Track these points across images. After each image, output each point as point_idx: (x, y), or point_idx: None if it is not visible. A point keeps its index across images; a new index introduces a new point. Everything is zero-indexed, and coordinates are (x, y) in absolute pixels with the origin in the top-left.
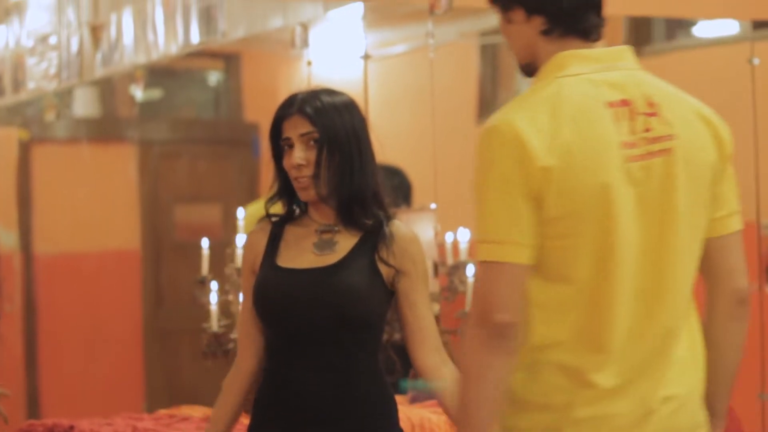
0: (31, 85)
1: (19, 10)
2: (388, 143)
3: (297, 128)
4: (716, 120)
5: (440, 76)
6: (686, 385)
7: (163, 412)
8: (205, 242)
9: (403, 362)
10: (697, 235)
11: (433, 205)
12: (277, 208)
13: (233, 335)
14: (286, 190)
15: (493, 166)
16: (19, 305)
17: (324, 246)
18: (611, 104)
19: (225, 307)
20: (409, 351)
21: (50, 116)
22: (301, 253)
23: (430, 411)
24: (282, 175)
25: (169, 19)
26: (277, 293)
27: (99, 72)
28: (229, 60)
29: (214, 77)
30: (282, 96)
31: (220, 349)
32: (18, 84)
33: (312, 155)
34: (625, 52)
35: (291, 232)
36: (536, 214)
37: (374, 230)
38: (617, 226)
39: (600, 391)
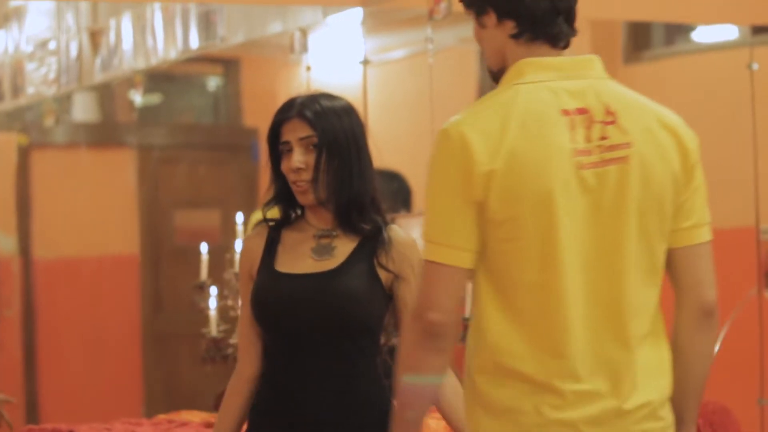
0: (30, 90)
1: (18, 15)
2: (388, 148)
3: (296, 132)
4: (681, 129)
5: (439, 81)
6: (656, 392)
7: (162, 417)
8: (204, 247)
9: None
10: (654, 244)
11: None
12: (274, 213)
13: (232, 340)
14: (283, 194)
15: (438, 169)
16: (18, 310)
17: (322, 251)
18: (567, 112)
19: (224, 312)
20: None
21: (49, 121)
22: (300, 258)
23: (429, 417)
24: (280, 179)
25: (168, 24)
26: (276, 298)
27: (98, 77)
28: (229, 65)
29: (213, 82)
30: (281, 101)
31: (219, 354)
32: (17, 89)
33: (311, 159)
34: (592, 61)
35: (288, 237)
36: (479, 219)
37: (372, 235)
38: (559, 233)
39: (566, 397)
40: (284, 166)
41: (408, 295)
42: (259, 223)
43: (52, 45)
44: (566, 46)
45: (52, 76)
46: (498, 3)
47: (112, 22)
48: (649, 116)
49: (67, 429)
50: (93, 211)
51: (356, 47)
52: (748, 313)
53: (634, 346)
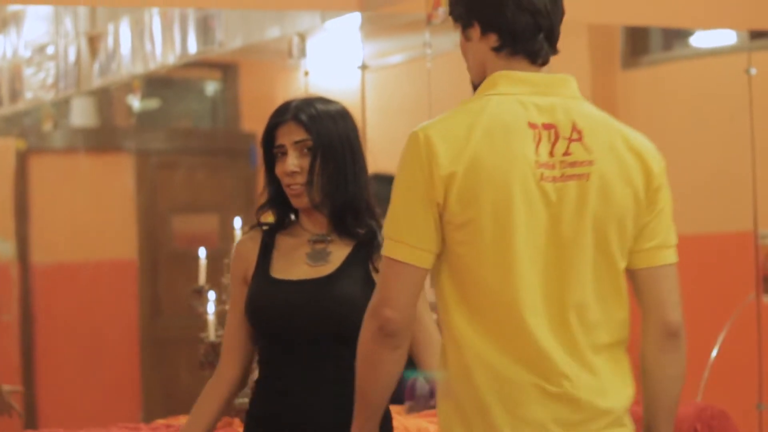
0: (28, 95)
1: (16, 20)
2: (386, 152)
3: (291, 135)
4: (648, 152)
5: (437, 85)
6: (619, 400)
7: (160, 422)
8: (202, 252)
9: None
10: (614, 261)
11: None
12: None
13: None
14: (277, 198)
15: (403, 169)
16: (16, 315)
17: (318, 256)
18: (534, 125)
19: (222, 317)
20: (416, 356)
21: (47, 126)
22: (295, 264)
23: (427, 421)
24: (273, 183)
25: (166, 29)
26: (272, 305)
27: (96, 82)
28: (227, 70)
29: (211, 87)
30: None
31: (217, 358)
32: (15, 94)
33: (306, 162)
34: (566, 81)
35: (283, 242)
36: (440, 220)
37: (367, 240)
38: (515, 240)
39: (533, 397)
40: (278, 170)
41: None
42: (252, 227)
43: (50, 50)
44: (544, 63)
45: (50, 81)
46: (482, 16)
47: (111, 27)
48: (616, 137)
49: None
50: (91, 216)
51: (354, 52)
52: (746, 317)
53: (593, 355)
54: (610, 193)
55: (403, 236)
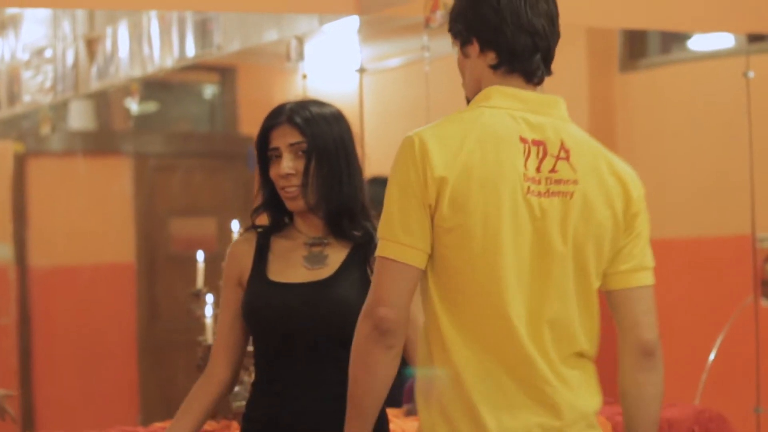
0: (26, 98)
1: (14, 23)
2: (384, 156)
3: (286, 138)
4: (629, 178)
5: (435, 89)
6: (590, 405)
7: (158, 425)
8: (200, 255)
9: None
10: (589, 279)
11: None
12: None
13: None
14: (271, 200)
15: (398, 171)
16: (14, 318)
17: (315, 259)
18: (524, 140)
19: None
20: (410, 357)
21: (45, 129)
22: (292, 267)
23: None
24: (268, 185)
25: (164, 32)
26: (271, 308)
27: (94, 85)
28: (225, 73)
29: (209, 90)
30: None
31: None
32: (13, 97)
33: (300, 165)
34: (557, 102)
35: (278, 245)
36: (431, 222)
37: (364, 242)
38: (503, 248)
39: (519, 400)
40: (273, 173)
41: None
42: (247, 229)
43: (48, 53)
44: (539, 83)
45: (48, 84)
46: (482, 34)
47: (109, 30)
48: (601, 161)
49: None
50: (89, 219)
51: (352, 55)
52: (744, 321)
53: (564, 367)
54: (592, 213)
55: (398, 236)
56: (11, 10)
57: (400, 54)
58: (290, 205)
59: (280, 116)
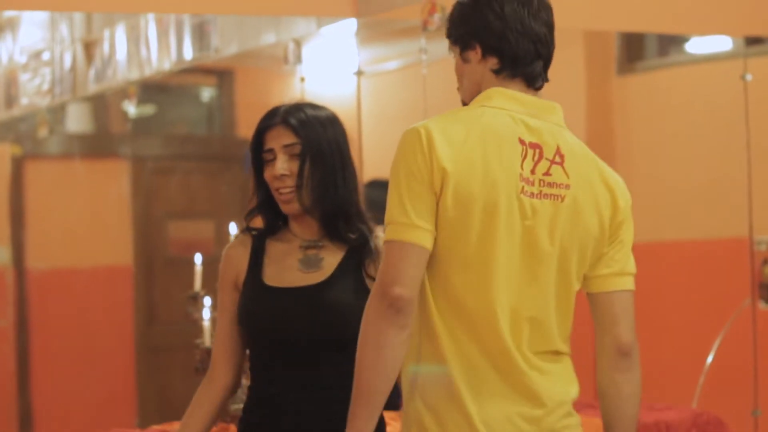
0: (24, 101)
1: (12, 26)
2: (381, 158)
3: (280, 139)
4: (618, 187)
5: (433, 92)
6: (567, 394)
7: (155, 428)
8: (197, 258)
9: None
10: (570, 281)
11: None
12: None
13: None
14: (266, 203)
15: (405, 159)
16: (12, 321)
17: (310, 263)
18: (522, 141)
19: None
20: None
21: (43, 132)
22: (287, 271)
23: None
24: (262, 187)
25: (162, 35)
26: (266, 312)
27: (92, 88)
28: (222, 76)
29: (207, 93)
30: None
31: None
32: (11, 100)
33: (294, 166)
34: (555, 108)
35: (274, 248)
36: (436, 209)
37: (359, 245)
38: (496, 241)
39: (500, 390)
40: (267, 174)
41: None
42: (242, 231)
43: (45, 56)
44: (539, 88)
45: (45, 87)
46: (486, 40)
47: (106, 33)
48: (593, 169)
49: None
50: (87, 222)
51: (350, 58)
52: (742, 324)
53: (541, 362)
54: (580, 218)
55: (411, 218)
56: (9, 13)
57: (397, 57)
58: (285, 209)
59: (274, 118)
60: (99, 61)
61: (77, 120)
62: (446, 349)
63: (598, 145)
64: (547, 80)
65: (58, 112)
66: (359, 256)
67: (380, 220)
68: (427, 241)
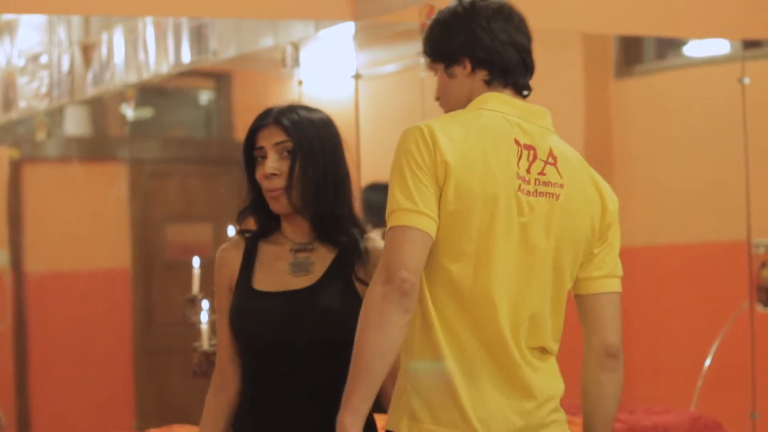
0: (22, 104)
1: (10, 29)
2: (379, 162)
3: (271, 138)
4: (606, 191)
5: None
6: (555, 390)
7: (153, 431)
8: (195, 261)
9: None
10: (563, 281)
11: None
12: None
13: None
14: (258, 204)
15: (408, 153)
16: (10, 323)
17: (300, 267)
18: (517, 142)
19: (216, 326)
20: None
21: (41, 135)
22: (277, 275)
23: None
24: (254, 188)
25: (160, 38)
26: (254, 318)
27: (90, 91)
28: (220, 79)
29: (205, 96)
30: None
31: (210, 368)
32: (9, 103)
33: (285, 165)
34: (544, 113)
35: (265, 251)
36: (438, 199)
37: (350, 247)
38: (495, 236)
39: (493, 381)
40: (258, 173)
41: None
42: (236, 234)
43: (43, 59)
44: (527, 96)
45: (43, 90)
46: (475, 53)
47: (104, 36)
48: (583, 171)
49: None
50: (85, 225)
51: (348, 61)
52: (740, 327)
53: (533, 357)
54: (573, 217)
55: (415, 205)
56: (7, 16)
57: (395, 60)
58: (274, 207)
59: (267, 118)
60: (97, 64)
61: (75, 123)
62: (441, 340)
63: (596, 148)
64: (531, 89)
65: (56, 115)
66: (350, 259)
67: (379, 224)
68: (432, 229)
